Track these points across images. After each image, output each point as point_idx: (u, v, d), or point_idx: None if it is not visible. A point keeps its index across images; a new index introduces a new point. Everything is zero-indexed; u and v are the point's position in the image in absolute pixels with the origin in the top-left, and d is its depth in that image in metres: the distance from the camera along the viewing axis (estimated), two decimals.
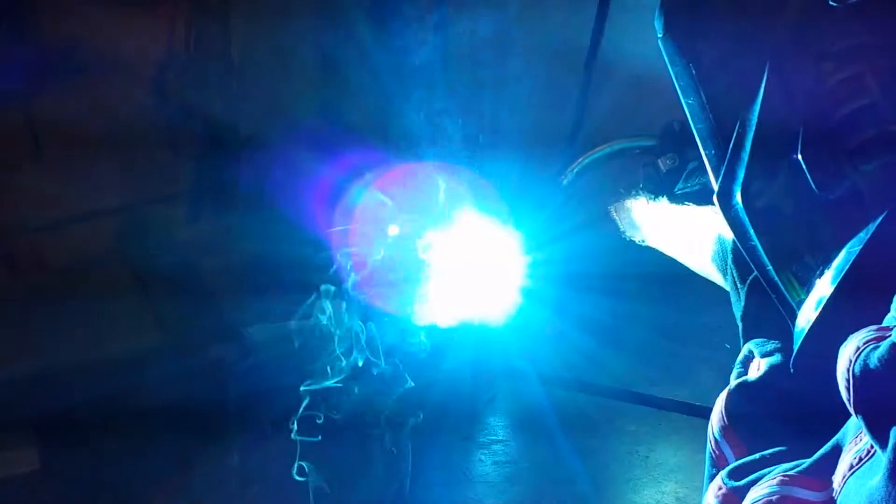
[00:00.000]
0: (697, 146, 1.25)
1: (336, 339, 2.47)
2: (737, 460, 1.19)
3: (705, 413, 1.27)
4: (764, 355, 1.28)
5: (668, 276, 1.92)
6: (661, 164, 1.76)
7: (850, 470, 1.00)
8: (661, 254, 1.75)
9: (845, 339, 1.00)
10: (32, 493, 2.51)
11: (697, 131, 1.23)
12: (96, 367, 2.55)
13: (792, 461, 1.10)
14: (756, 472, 1.13)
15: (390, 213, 2.39)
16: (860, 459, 1.00)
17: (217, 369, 2.56)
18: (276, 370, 2.69)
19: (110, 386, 2.59)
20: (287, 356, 2.60)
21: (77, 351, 2.55)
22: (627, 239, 1.81)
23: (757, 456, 1.16)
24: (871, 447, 0.98)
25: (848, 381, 0.96)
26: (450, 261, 2.07)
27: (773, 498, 1.06)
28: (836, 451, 1.05)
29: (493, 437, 2.93)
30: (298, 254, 2.58)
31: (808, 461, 1.08)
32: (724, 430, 1.23)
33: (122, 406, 2.63)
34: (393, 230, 2.47)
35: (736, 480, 1.14)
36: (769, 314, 1.24)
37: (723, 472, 1.16)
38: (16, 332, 2.60)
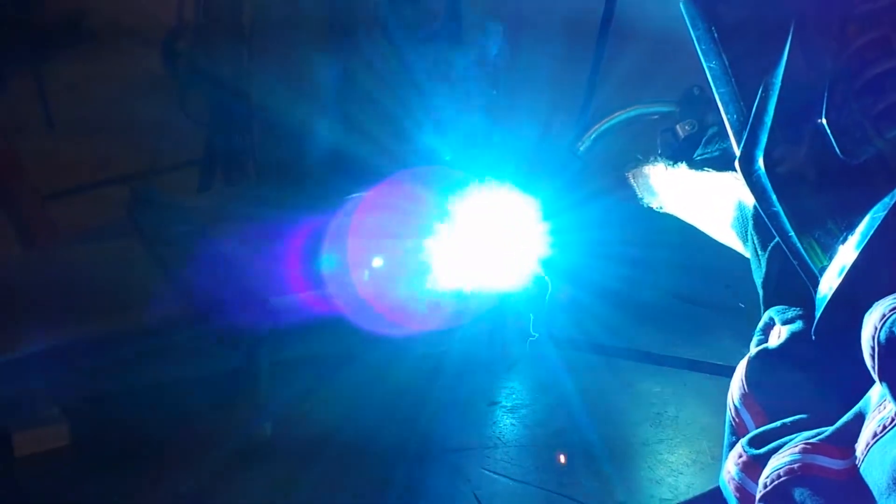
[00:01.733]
0: (717, 112, 1.24)
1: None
2: (757, 428, 1.18)
3: (728, 372, 1.26)
4: (785, 322, 1.26)
5: (686, 243, 1.90)
6: (679, 129, 1.74)
7: (873, 438, 0.99)
8: (680, 220, 1.73)
9: (869, 307, 0.98)
10: (63, 468, 2.52)
11: (719, 95, 1.21)
12: (120, 339, 2.54)
13: (813, 429, 1.09)
14: (777, 440, 1.12)
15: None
16: (884, 427, 0.99)
17: (248, 339, 2.55)
18: (303, 339, 2.70)
19: (136, 360, 2.59)
20: (313, 325, 2.61)
21: (99, 323, 2.54)
22: (646, 206, 1.80)
23: (777, 424, 1.15)
24: None
25: (873, 348, 0.95)
26: (467, 228, 2.06)
27: (795, 466, 1.05)
28: (859, 420, 1.04)
29: (519, 402, 2.94)
30: (312, 221, 2.57)
31: (830, 429, 1.07)
32: (744, 397, 1.22)
33: (151, 378, 2.64)
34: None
35: (756, 448, 1.13)
36: (790, 281, 1.22)
37: (743, 440, 1.16)
38: (35, 307, 2.59)
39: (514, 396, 2.96)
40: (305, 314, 2.58)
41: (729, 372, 1.26)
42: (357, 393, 2.79)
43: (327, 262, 2.57)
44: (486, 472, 2.62)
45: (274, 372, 2.66)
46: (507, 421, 2.85)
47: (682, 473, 2.63)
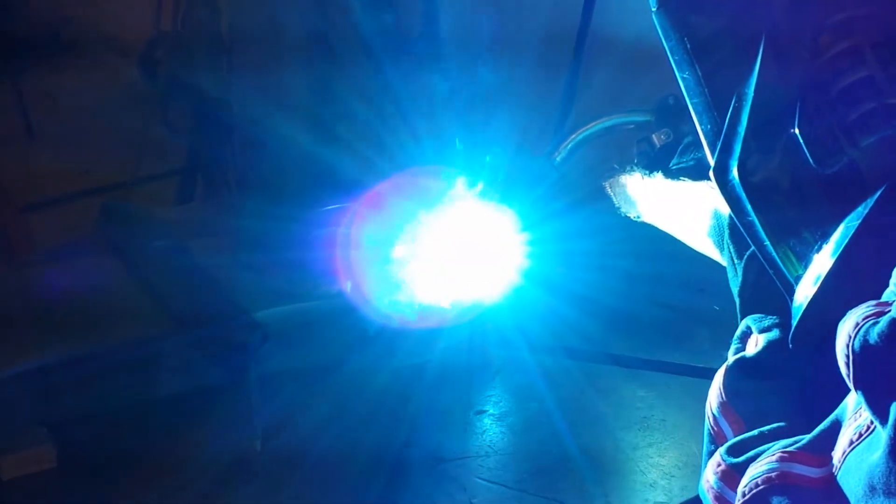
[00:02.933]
0: (692, 121, 1.24)
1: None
2: (735, 437, 1.18)
3: (710, 375, 1.27)
4: (762, 331, 1.27)
5: (663, 252, 1.91)
6: (655, 139, 1.75)
7: (850, 446, 1.00)
8: (657, 230, 1.74)
9: (844, 315, 0.99)
10: (50, 491, 2.50)
11: (693, 106, 1.22)
12: (103, 356, 2.51)
13: (791, 437, 1.10)
14: (755, 448, 1.12)
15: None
16: (860, 435, 0.99)
17: (238, 354, 2.53)
18: (293, 352, 2.69)
19: (123, 377, 2.57)
20: (302, 338, 2.60)
21: (80, 341, 2.51)
22: (622, 215, 1.80)
23: (756, 432, 1.16)
24: (871, 423, 0.98)
25: (847, 356, 0.96)
26: (443, 241, 2.06)
27: (773, 474, 1.05)
28: (836, 427, 1.04)
29: (506, 410, 2.95)
30: (295, 232, 2.56)
31: (807, 437, 1.07)
32: (722, 406, 1.23)
33: (136, 395, 2.61)
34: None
35: (735, 457, 1.13)
36: (767, 289, 1.23)
37: (721, 449, 1.16)
38: (18, 325, 2.56)
39: (500, 405, 2.98)
40: (293, 325, 2.57)
41: (711, 374, 1.27)
42: (340, 404, 2.79)
43: (312, 272, 2.56)
44: (481, 481, 2.63)
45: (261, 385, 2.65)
46: (497, 429, 2.86)
47: (674, 476, 2.64)
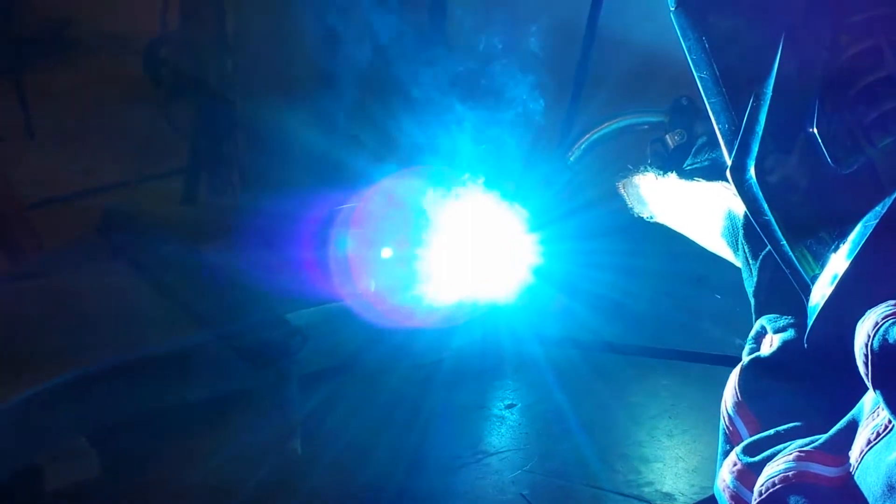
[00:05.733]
0: (706, 122, 1.24)
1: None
2: (751, 436, 1.18)
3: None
4: (777, 331, 1.26)
5: (678, 253, 1.92)
6: (669, 139, 1.75)
7: (867, 445, 1.00)
8: (671, 230, 1.74)
9: (861, 315, 0.99)
10: (95, 500, 2.49)
11: (710, 105, 1.21)
12: (142, 364, 2.49)
13: (807, 437, 1.10)
14: (771, 448, 1.12)
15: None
16: (878, 434, 0.99)
17: (280, 357, 2.51)
18: (328, 353, 2.68)
19: (161, 383, 2.55)
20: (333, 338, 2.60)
21: (113, 351, 2.48)
22: (636, 215, 1.80)
23: (772, 432, 1.16)
24: (890, 422, 0.98)
25: (866, 356, 0.96)
26: (457, 240, 2.06)
27: (790, 474, 1.05)
28: (853, 427, 1.05)
29: (534, 402, 2.96)
30: (306, 231, 2.56)
31: (824, 437, 1.07)
32: (737, 406, 1.22)
33: (173, 402, 2.59)
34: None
35: (751, 456, 1.13)
36: (782, 289, 1.23)
37: (737, 449, 1.16)
38: (43, 335, 2.53)
39: (527, 398, 2.98)
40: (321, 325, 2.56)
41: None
42: (370, 400, 2.78)
43: (327, 272, 2.56)
44: (528, 473, 2.63)
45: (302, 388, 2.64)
46: (529, 422, 2.87)
47: (713, 461, 2.66)
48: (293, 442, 2.53)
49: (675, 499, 2.59)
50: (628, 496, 2.56)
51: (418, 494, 2.58)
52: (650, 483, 2.63)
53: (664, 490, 2.60)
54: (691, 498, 2.55)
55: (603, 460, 2.70)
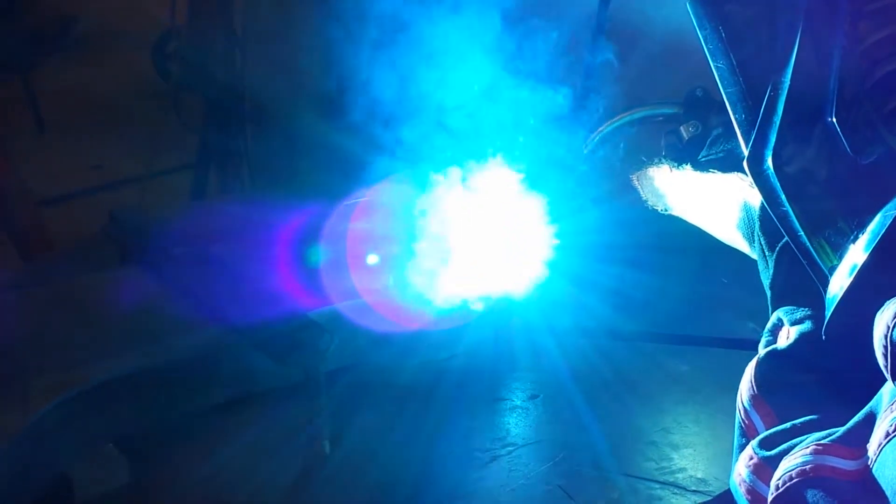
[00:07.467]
0: (721, 113, 1.24)
1: None
2: (767, 430, 1.17)
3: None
4: (794, 323, 1.25)
5: (692, 246, 1.91)
6: (683, 131, 1.73)
7: (886, 438, 0.99)
8: (686, 223, 1.73)
9: (881, 306, 0.98)
10: None
11: (727, 95, 1.20)
12: (165, 370, 2.47)
13: (824, 430, 1.08)
14: (788, 441, 1.11)
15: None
16: None
17: (309, 357, 2.49)
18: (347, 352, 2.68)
19: (188, 386, 2.53)
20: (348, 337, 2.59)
21: (137, 355, 2.46)
22: (651, 208, 1.79)
23: (788, 425, 1.14)
24: None
25: (885, 347, 0.95)
26: (472, 233, 2.05)
27: (807, 467, 1.04)
28: (871, 419, 1.03)
29: (556, 392, 2.95)
30: (318, 229, 2.54)
31: (841, 429, 1.06)
32: (753, 399, 1.21)
33: (200, 405, 2.58)
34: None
35: (767, 450, 1.12)
36: (798, 281, 1.22)
37: (754, 442, 1.15)
38: (66, 340, 2.51)
39: (548, 389, 2.97)
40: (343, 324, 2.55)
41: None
42: (396, 402, 2.78)
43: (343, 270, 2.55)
44: (560, 464, 2.63)
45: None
46: (557, 413, 2.87)
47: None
48: (321, 441, 2.52)
49: (710, 484, 2.59)
50: (665, 484, 2.55)
51: (454, 488, 2.57)
52: (683, 469, 2.63)
53: (698, 476, 2.61)
54: (725, 483, 2.54)
55: (633, 448, 2.69)
